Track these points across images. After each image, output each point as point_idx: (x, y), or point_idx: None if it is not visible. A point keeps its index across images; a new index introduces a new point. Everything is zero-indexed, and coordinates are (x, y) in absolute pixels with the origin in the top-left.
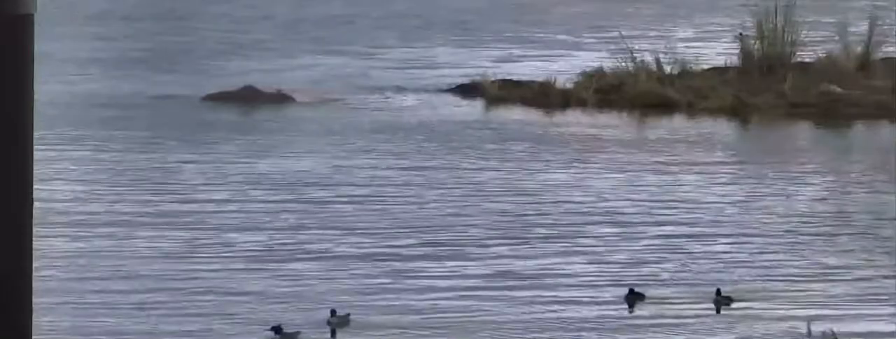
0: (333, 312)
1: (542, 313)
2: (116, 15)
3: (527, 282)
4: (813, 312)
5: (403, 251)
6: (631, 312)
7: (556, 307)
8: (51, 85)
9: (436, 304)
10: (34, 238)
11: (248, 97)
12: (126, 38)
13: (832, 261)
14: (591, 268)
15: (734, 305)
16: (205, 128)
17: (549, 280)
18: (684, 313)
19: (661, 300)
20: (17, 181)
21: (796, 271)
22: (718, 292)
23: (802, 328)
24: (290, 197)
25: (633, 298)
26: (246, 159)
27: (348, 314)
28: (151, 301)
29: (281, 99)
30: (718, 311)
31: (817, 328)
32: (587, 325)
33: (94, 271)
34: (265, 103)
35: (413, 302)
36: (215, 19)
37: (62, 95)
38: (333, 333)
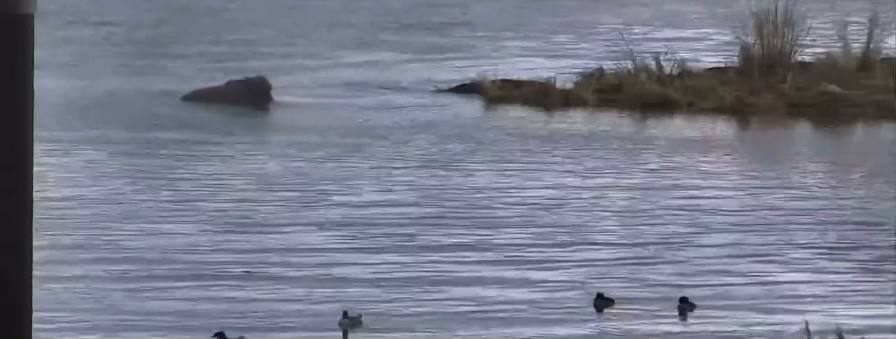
0: (345, 313)
1: None
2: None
3: None
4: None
5: None
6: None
7: None
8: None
9: None
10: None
11: (231, 96)
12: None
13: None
14: None
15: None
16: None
17: None
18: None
19: (628, 305)
20: (17, 181)
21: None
22: (683, 299)
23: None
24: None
25: (602, 303)
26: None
27: (360, 316)
28: None
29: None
30: (685, 316)
31: (819, 327)
32: None
33: None
34: (247, 102)
35: None
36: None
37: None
38: (345, 334)
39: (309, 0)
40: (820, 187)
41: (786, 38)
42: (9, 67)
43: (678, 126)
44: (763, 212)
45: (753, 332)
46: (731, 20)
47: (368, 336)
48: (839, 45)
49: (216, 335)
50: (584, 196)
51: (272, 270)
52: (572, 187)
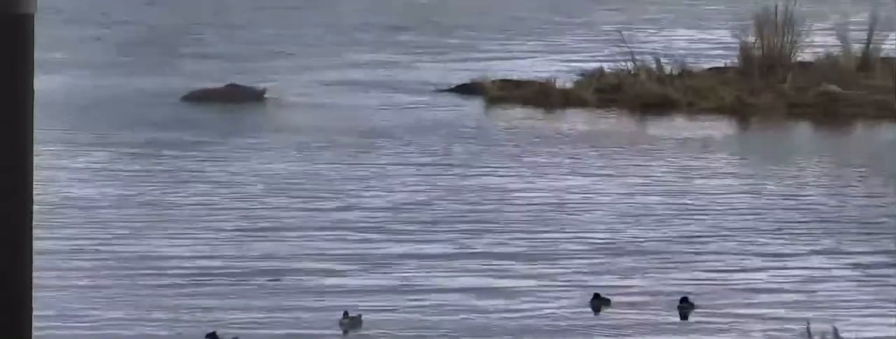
0: (346, 313)
1: None
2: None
3: None
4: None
5: None
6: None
7: None
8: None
9: None
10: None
11: (229, 96)
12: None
13: None
14: None
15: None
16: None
17: None
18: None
19: (627, 306)
20: (17, 181)
21: None
22: (684, 299)
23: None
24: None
25: (599, 303)
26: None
27: (360, 316)
28: None
29: (261, 97)
30: (685, 317)
31: (820, 328)
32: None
33: None
34: (247, 102)
35: None
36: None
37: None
38: (345, 334)
39: (309, 0)
40: (820, 188)
41: (786, 38)
42: (9, 67)
43: (678, 126)
44: (764, 213)
45: (754, 334)
46: (733, 20)
47: (368, 336)
48: (839, 45)
49: (209, 335)
50: (587, 197)
51: (281, 274)
52: (575, 187)
